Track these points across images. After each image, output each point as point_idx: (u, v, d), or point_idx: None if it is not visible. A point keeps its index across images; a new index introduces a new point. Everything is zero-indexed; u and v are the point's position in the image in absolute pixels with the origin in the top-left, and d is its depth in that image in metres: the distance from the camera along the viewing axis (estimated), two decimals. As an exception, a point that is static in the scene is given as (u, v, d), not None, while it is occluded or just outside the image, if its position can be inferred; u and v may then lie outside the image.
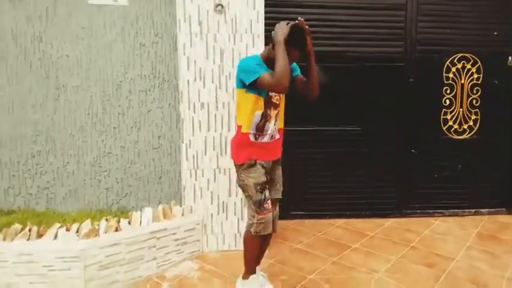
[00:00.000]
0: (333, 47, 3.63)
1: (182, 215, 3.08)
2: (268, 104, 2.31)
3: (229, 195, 3.12)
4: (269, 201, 2.34)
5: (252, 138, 2.32)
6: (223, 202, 3.12)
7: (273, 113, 2.34)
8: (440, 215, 3.89)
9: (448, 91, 3.81)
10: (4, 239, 2.65)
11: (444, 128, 3.85)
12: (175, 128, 3.30)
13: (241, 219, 3.14)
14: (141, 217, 2.97)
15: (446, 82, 3.80)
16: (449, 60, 3.77)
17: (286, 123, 3.41)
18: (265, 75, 2.17)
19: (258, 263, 2.56)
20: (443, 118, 3.84)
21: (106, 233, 2.74)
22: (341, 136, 3.73)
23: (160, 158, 3.33)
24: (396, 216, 3.83)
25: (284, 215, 3.53)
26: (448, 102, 3.82)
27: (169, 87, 3.28)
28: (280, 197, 2.50)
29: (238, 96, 2.33)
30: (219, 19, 2.98)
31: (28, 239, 2.66)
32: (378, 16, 3.64)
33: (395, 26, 3.68)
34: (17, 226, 2.77)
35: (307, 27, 2.23)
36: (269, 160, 2.38)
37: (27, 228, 2.74)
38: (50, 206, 3.25)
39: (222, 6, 2.97)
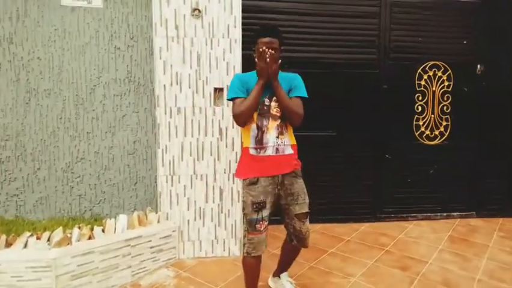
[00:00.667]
0: (308, 53, 3.68)
1: (158, 221, 3.03)
2: (264, 115, 2.29)
3: (206, 202, 3.10)
4: (263, 223, 2.29)
5: (252, 152, 2.31)
6: (200, 208, 3.10)
7: (271, 124, 2.29)
8: (413, 219, 3.99)
9: (420, 98, 3.92)
10: (-30, 249, 2.54)
11: (416, 134, 3.95)
12: (151, 133, 3.26)
13: (218, 226, 3.13)
14: (115, 224, 2.91)
15: (418, 89, 3.91)
16: (421, 68, 3.88)
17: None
18: (236, 102, 2.27)
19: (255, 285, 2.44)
20: (415, 124, 3.94)
21: (78, 241, 2.67)
22: (316, 141, 3.77)
23: (136, 164, 3.28)
24: (371, 221, 3.91)
25: None
26: (420, 108, 3.93)
27: (144, 92, 3.24)
28: (307, 210, 2.39)
29: None
30: (196, 23, 2.97)
31: (-4, 249, 2.57)
32: (352, 24, 3.72)
33: (369, 33, 3.77)
34: (-16, 235, 2.67)
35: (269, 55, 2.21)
36: (274, 175, 2.30)
37: (-5, 237, 2.64)
38: (20, 214, 3.14)
39: (199, 10, 2.96)
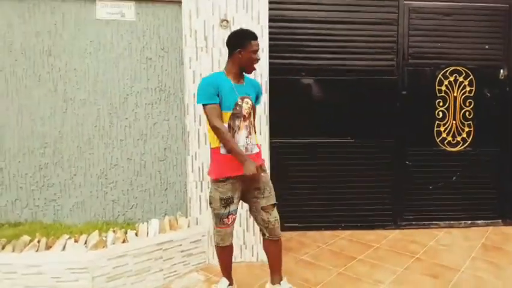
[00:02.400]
0: (326, 61, 3.75)
1: (188, 226, 3.15)
2: (237, 115, 2.40)
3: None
4: (231, 216, 2.46)
5: (223, 151, 2.41)
6: (229, 214, 3.19)
7: (242, 124, 2.42)
8: (435, 226, 3.98)
9: (441, 104, 3.91)
10: (13, 251, 2.73)
11: (438, 140, 3.94)
12: (181, 141, 3.40)
13: (247, 231, 3.22)
14: (148, 228, 3.05)
15: (438, 95, 3.90)
16: (441, 73, 3.88)
17: (279, 135, 3.55)
18: (210, 109, 2.36)
19: (228, 273, 2.70)
20: (436, 130, 3.93)
21: (113, 244, 2.82)
22: (335, 148, 3.83)
23: (166, 170, 3.42)
24: (392, 228, 3.92)
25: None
26: (441, 114, 3.92)
27: (175, 100, 3.38)
28: (274, 202, 2.54)
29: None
30: (224, 34, 3.09)
31: (37, 251, 2.74)
32: (371, 31, 3.77)
33: (387, 40, 3.81)
34: (26, 238, 2.85)
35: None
36: (241, 174, 2.37)
37: (35, 240, 2.82)
38: (57, 218, 3.33)
39: (227, 21, 3.08)
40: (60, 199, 3.33)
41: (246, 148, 2.43)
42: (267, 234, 2.57)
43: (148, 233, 3.01)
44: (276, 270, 2.65)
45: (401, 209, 3.95)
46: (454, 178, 3.97)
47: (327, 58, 3.75)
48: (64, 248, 2.78)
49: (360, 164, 3.86)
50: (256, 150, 2.50)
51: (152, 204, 3.42)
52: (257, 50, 2.43)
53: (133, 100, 3.35)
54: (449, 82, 3.90)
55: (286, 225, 3.75)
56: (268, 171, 2.69)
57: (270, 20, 3.16)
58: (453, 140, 3.96)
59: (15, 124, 3.25)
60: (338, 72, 3.77)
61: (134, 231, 3.02)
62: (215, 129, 2.36)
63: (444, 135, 3.94)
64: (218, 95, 2.36)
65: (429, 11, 3.82)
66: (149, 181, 3.41)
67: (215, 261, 3.18)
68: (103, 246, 2.77)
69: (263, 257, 3.21)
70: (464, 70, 3.90)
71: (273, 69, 3.27)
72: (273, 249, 2.62)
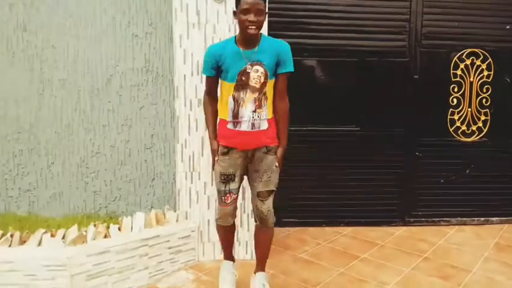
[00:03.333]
0: (331, 40, 3.66)
1: (177, 221, 3.10)
2: (241, 87, 2.33)
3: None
4: (230, 195, 2.47)
5: (230, 126, 2.40)
6: (221, 207, 3.14)
7: (248, 96, 2.33)
8: (446, 223, 3.94)
9: (456, 89, 3.85)
10: (-17, 245, 2.67)
11: (451, 130, 3.89)
12: (170, 127, 3.33)
13: (241, 226, 3.17)
14: (132, 223, 3.00)
15: (453, 79, 3.83)
16: (457, 56, 3.81)
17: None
18: (205, 81, 2.50)
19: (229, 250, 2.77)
20: (450, 118, 3.88)
21: (94, 239, 2.76)
22: (339, 137, 3.78)
23: (153, 159, 3.35)
24: (399, 225, 3.88)
25: (276, 221, 3.54)
26: (455, 101, 3.86)
27: (163, 82, 3.30)
28: (272, 188, 2.49)
29: None
30: (218, 8, 3.01)
31: (10, 246, 2.68)
32: (380, 7, 3.68)
33: (398, 18, 3.72)
34: (-3, 231, 2.79)
35: None
36: (246, 149, 2.41)
37: (8, 234, 2.76)
38: (33, 210, 3.26)
39: (223, -5, 2.99)
40: (36, 189, 3.26)
41: (253, 124, 2.36)
42: (257, 221, 2.59)
43: (132, 228, 2.96)
44: (259, 260, 2.67)
45: (409, 204, 3.91)
46: (468, 171, 3.93)
47: (332, 37, 3.66)
48: (39, 243, 2.72)
49: (365, 154, 3.81)
50: (264, 126, 2.39)
51: (138, 197, 3.36)
52: (248, 10, 2.19)
53: (117, 81, 3.26)
54: (465, 66, 3.83)
55: (284, 220, 3.74)
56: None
57: (269, -5, 3.07)
58: (468, 129, 3.90)
59: (-14, 106, 3.17)
60: (343, 53, 3.69)
61: (117, 226, 2.96)
62: (204, 105, 2.53)
63: (458, 124, 3.89)
64: (218, 67, 2.36)
65: (446, -14, 3.73)
66: (134, 171, 3.34)
67: (205, 259, 3.16)
68: (83, 242, 2.72)
69: (258, 254, 3.17)
70: (481, 52, 3.82)
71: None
72: (261, 238, 2.63)
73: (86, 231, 2.82)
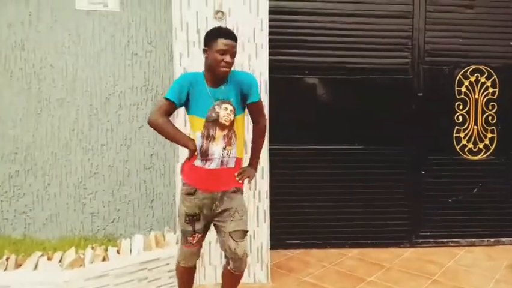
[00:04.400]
0: (333, 58, 3.77)
1: (177, 243, 3.13)
2: (211, 124, 2.34)
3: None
4: (196, 236, 2.44)
5: (198, 162, 2.37)
6: (223, 229, 3.19)
7: (218, 134, 2.35)
8: (455, 244, 3.97)
9: (461, 107, 3.93)
10: (-22, 269, 2.71)
11: (457, 148, 3.95)
12: (169, 146, 3.40)
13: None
14: (131, 245, 3.04)
15: (458, 97, 3.91)
16: (461, 73, 3.90)
17: (280, 141, 3.54)
18: (159, 102, 2.43)
19: None
20: (455, 136, 3.94)
21: (92, 263, 2.80)
22: (342, 156, 3.83)
23: (152, 179, 3.41)
24: (406, 246, 3.92)
25: (279, 243, 3.67)
26: (460, 118, 3.93)
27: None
28: (244, 228, 2.44)
29: None
30: (219, 27, 3.10)
31: (5, 269, 2.72)
32: (382, 24, 3.79)
33: (400, 35, 3.82)
34: (-7, 255, 2.83)
35: None
36: (214, 191, 2.38)
37: (4, 257, 2.80)
38: (28, 233, 3.32)
39: (223, 13, 3.09)
40: (32, 211, 3.32)
41: (221, 161, 2.37)
42: (231, 264, 2.46)
43: (131, 251, 2.99)
44: None
45: (416, 225, 3.94)
46: (476, 190, 3.98)
47: (334, 55, 3.76)
48: (35, 267, 2.76)
49: (370, 173, 3.87)
50: (232, 164, 2.41)
51: (137, 218, 3.41)
52: (225, 51, 2.28)
53: (116, 101, 3.35)
54: (470, 83, 3.91)
55: (287, 242, 3.78)
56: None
57: (270, 12, 3.17)
58: (474, 147, 3.97)
59: (-17, 126, 3.25)
60: (345, 71, 3.79)
61: (116, 248, 3.00)
62: (151, 124, 2.34)
63: (464, 142, 3.96)
64: (186, 97, 2.35)
65: (448, 2, 3.84)
66: (133, 192, 3.40)
67: (206, 282, 3.18)
68: (80, 265, 2.75)
69: (261, 277, 3.21)
70: (486, 69, 3.92)
71: (273, 66, 3.27)
72: (231, 281, 2.56)
73: (83, 254, 2.86)
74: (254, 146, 2.60)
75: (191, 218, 2.40)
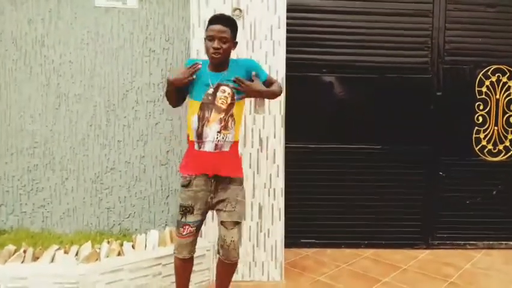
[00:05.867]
0: (351, 56, 3.76)
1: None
2: (207, 106, 2.39)
3: (244, 219, 3.18)
4: (186, 228, 2.47)
5: (196, 146, 2.42)
6: (237, 226, 3.19)
7: (214, 116, 2.38)
8: (472, 247, 3.91)
9: (481, 107, 3.87)
10: (-4, 261, 2.75)
11: (476, 149, 3.89)
12: (185, 143, 3.39)
13: (257, 246, 3.20)
14: (146, 240, 3.06)
15: (478, 97, 3.86)
16: (482, 73, 3.84)
17: (296, 139, 3.54)
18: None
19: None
20: (475, 137, 3.88)
21: (107, 257, 2.83)
22: (359, 155, 3.81)
23: (168, 176, 3.43)
24: (422, 248, 3.87)
25: (293, 242, 3.68)
26: (480, 119, 3.87)
27: (179, 98, 3.39)
28: (236, 220, 2.47)
29: None
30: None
31: (23, 262, 2.76)
32: (401, 23, 3.76)
33: (420, 34, 3.79)
34: (11, 247, 2.88)
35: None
36: (208, 174, 2.42)
37: (21, 250, 2.85)
38: (46, 226, 3.36)
39: (240, 10, 3.09)
40: (49, 205, 3.36)
41: (216, 145, 2.39)
42: (220, 252, 2.49)
43: (146, 246, 3.01)
44: None
45: (433, 226, 3.90)
46: (495, 192, 3.91)
47: (352, 53, 3.75)
48: (52, 260, 2.79)
49: (387, 174, 3.84)
50: (227, 147, 2.42)
51: (152, 214, 3.43)
52: (212, 37, 2.36)
53: (133, 97, 3.38)
54: (491, 82, 3.85)
55: (302, 241, 3.78)
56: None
57: (288, 10, 3.16)
58: (494, 148, 3.90)
59: (3, 121, 3.30)
60: (363, 70, 3.77)
61: (131, 243, 3.03)
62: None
63: (484, 143, 3.89)
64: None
65: (469, 1, 3.78)
66: (148, 187, 3.42)
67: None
68: (96, 259, 2.78)
69: (275, 275, 3.20)
70: (508, 69, 3.85)
71: (290, 64, 3.26)
72: (222, 270, 2.59)
73: (99, 249, 2.89)
74: (271, 87, 2.56)
75: (184, 209, 2.46)
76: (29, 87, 3.30)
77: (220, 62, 2.41)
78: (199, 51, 3.10)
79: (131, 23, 3.34)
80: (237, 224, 2.48)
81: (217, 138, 2.38)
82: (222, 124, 2.39)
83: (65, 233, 3.32)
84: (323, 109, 3.79)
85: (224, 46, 2.37)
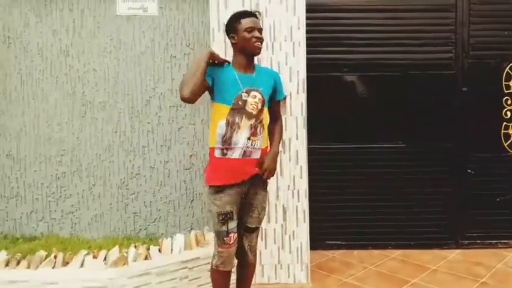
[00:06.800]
0: (375, 54, 3.72)
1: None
2: (237, 111, 2.29)
3: (268, 222, 3.18)
4: (232, 235, 2.35)
5: (217, 153, 2.31)
6: (262, 229, 3.19)
7: (245, 122, 2.29)
8: (505, 246, 3.81)
9: (509, 102, 3.78)
10: (28, 267, 2.82)
11: (506, 144, 3.80)
12: (208, 147, 3.43)
13: (282, 249, 3.20)
14: (172, 244, 3.09)
15: (506, 91, 3.77)
16: (509, 67, 3.75)
17: (319, 140, 3.52)
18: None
19: None
20: (503, 133, 3.79)
21: (135, 261, 2.86)
22: (383, 155, 3.77)
23: (192, 180, 3.46)
24: (452, 247, 3.80)
25: (319, 244, 3.67)
26: (509, 114, 3.79)
27: (201, 102, 3.39)
28: (258, 225, 2.48)
29: None
30: (256, 27, 3.11)
31: (53, 267, 2.82)
32: (424, 19, 3.70)
33: (443, 29, 3.73)
34: (42, 253, 2.95)
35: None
36: (240, 182, 2.33)
37: (52, 255, 2.91)
38: (75, 232, 3.44)
39: (260, 12, 3.10)
40: (78, 211, 3.43)
41: (245, 152, 2.30)
42: (240, 256, 2.51)
43: (172, 250, 3.04)
44: None
45: (462, 226, 3.82)
46: None
47: (373, 52, 3.71)
48: (82, 265, 2.85)
49: (413, 172, 3.78)
50: (257, 155, 2.36)
51: (177, 218, 3.47)
52: (253, 28, 2.31)
53: (156, 103, 3.42)
54: (519, 76, 3.76)
55: (328, 242, 3.76)
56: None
57: (307, 11, 3.15)
58: (524, 144, 3.81)
59: (32, 130, 3.39)
60: (385, 67, 3.73)
61: (158, 247, 3.06)
62: (180, 88, 2.25)
63: (513, 138, 3.80)
64: (211, 82, 2.30)
65: (493, -6, 3.70)
66: (173, 192, 3.46)
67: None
68: (124, 263, 2.82)
69: (301, 278, 3.19)
70: (535, 62, 3.75)
71: (311, 65, 3.25)
72: (241, 275, 2.60)
73: (127, 253, 2.93)
74: (277, 133, 2.52)
75: (224, 217, 2.32)
76: (56, 96, 3.39)
77: (260, 52, 2.38)
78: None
79: (152, 30, 3.39)
80: (257, 229, 2.50)
81: (246, 144, 2.30)
82: (252, 130, 2.31)
83: (93, 238, 3.38)
84: (345, 109, 3.76)
85: (262, 36, 2.35)
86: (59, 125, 3.40)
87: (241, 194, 2.37)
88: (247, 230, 2.47)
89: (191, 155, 3.45)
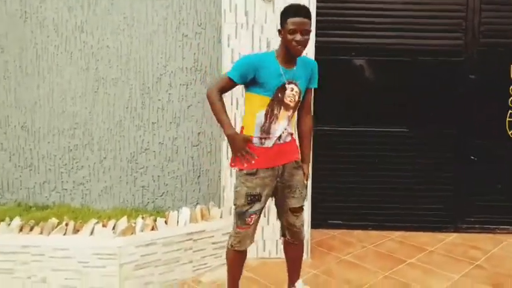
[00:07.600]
0: (383, 39, 3.74)
1: (221, 217, 3.26)
2: (277, 103, 2.31)
3: (272, 198, 3.26)
4: (254, 216, 2.40)
5: (255, 141, 2.34)
6: (266, 205, 3.27)
7: (282, 113, 2.34)
8: (503, 231, 3.87)
9: None
10: (41, 233, 2.95)
11: (510, 132, 3.83)
12: (216, 125, 3.51)
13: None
14: (178, 217, 3.20)
15: None
16: None
17: (325, 122, 3.62)
18: (225, 82, 2.32)
19: None
20: (508, 121, 3.82)
21: (142, 231, 2.98)
22: (387, 138, 3.82)
23: (199, 156, 3.56)
24: (450, 231, 3.86)
25: (320, 223, 3.74)
26: None
27: (211, 81, 3.50)
28: (302, 204, 2.52)
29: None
30: (266, 9, 3.15)
31: (65, 234, 2.95)
32: (434, 4, 3.70)
33: (453, 15, 3.73)
34: (54, 220, 3.08)
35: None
36: (274, 166, 2.37)
37: (63, 223, 3.04)
38: (85, 203, 3.56)
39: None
40: (88, 183, 3.55)
41: (280, 137, 2.36)
42: (288, 236, 2.56)
43: (178, 222, 3.15)
44: (296, 272, 2.68)
45: (461, 210, 3.88)
46: None
47: (381, 36, 3.73)
48: (91, 233, 2.97)
49: (416, 157, 3.84)
50: (288, 139, 2.42)
51: (184, 192, 3.57)
52: (294, 30, 2.22)
53: (167, 80, 3.50)
54: (527, 65, 3.77)
55: (329, 222, 3.84)
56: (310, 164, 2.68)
57: (317, -6, 3.20)
58: (528, 132, 3.84)
59: (47, 103, 3.50)
60: (393, 52, 3.76)
61: (164, 219, 3.17)
62: (207, 95, 2.34)
63: (517, 126, 3.84)
64: (250, 78, 2.29)
65: (505, -19, 3.70)
66: (181, 167, 3.56)
67: (248, 256, 3.27)
68: (132, 233, 2.94)
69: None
70: (544, 50, 3.75)
71: (319, 48, 3.30)
72: (293, 253, 2.64)
73: (135, 223, 3.05)
74: (307, 140, 2.58)
75: (252, 198, 2.35)
76: (70, 72, 3.48)
77: (301, 55, 2.33)
78: (230, 36, 3.17)
79: (165, 8, 3.45)
80: (303, 206, 2.54)
81: (281, 132, 2.36)
82: (288, 121, 2.38)
83: (103, 209, 3.50)
84: (352, 92, 3.80)
85: (306, 38, 2.26)
86: (73, 99, 3.50)
87: (276, 178, 2.41)
88: (295, 211, 2.50)
89: (199, 133, 3.54)
